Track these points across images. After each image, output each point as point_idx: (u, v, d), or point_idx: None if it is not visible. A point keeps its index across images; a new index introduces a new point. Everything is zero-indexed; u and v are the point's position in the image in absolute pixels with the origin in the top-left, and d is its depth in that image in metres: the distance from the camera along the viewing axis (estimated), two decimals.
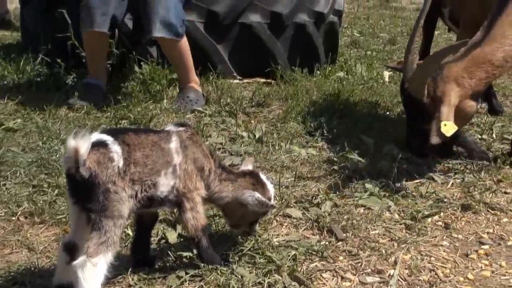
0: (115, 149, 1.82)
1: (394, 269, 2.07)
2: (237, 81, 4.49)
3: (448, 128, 2.65)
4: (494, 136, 3.50)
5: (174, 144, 1.97)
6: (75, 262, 1.73)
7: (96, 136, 1.82)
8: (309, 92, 4.20)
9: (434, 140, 2.69)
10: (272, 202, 2.13)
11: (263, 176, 2.17)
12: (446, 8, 3.69)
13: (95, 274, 1.72)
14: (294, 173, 2.87)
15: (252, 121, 3.72)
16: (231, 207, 2.10)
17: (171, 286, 1.94)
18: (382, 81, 4.71)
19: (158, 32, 3.73)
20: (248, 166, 2.23)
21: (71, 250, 1.83)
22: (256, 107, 3.98)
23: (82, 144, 1.71)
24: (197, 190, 2.01)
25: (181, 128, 2.04)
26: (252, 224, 2.17)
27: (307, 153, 3.20)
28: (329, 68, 4.83)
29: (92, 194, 1.76)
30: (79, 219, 1.83)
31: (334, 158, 3.08)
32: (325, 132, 3.47)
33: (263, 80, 4.56)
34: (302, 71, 4.60)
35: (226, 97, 4.04)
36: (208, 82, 4.30)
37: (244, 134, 3.43)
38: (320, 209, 2.52)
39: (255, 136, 3.41)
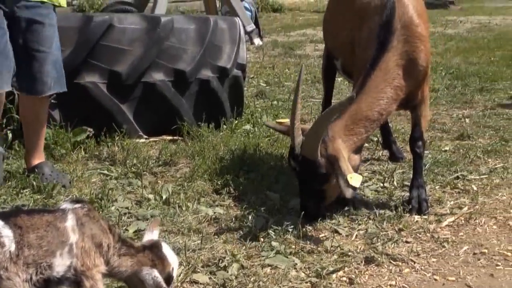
0: (6, 233, 1.78)
1: None
2: (143, 140, 4.46)
3: (355, 179, 2.75)
4: (395, 183, 3.59)
5: (70, 222, 1.94)
6: None
7: None
8: (215, 148, 4.21)
9: (348, 194, 2.78)
10: (174, 274, 2.12)
11: (165, 248, 2.15)
12: (337, 61, 3.79)
13: None
14: (201, 235, 2.86)
15: (159, 181, 3.70)
16: (133, 282, 2.08)
17: None
18: None
19: (52, 89, 3.58)
20: (153, 229, 2.22)
21: None
22: (163, 166, 3.96)
23: None
24: (96, 267, 1.97)
25: (77, 205, 2.01)
26: None
27: (214, 213, 3.20)
28: (236, 122, 4.86)
29: None
30: None
31: (241, 217, 3.09)
32: (231, 189, 3.48)
33: (169, 137, 4.55)
34: (209, 126, 4.62)
35: (132, 158, 4.00)
36: (113, 143, 4.24)
37: (151, 196, 3.40)
38: (227, 272, 2.52)
39: (162, 197, 3.38)
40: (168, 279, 2.10)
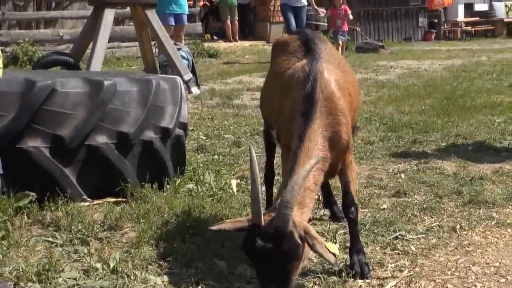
0: None
1: None
2: (87, 203, 4.46)
3: (332, 246, 2.86)
4: (338, 245, 3.71)
5: None
6: None
7: None
8: (160, 210, 4.26)
9: (333, 260, 2.85)
10: None
11: None
12: (273, 130, 3.91)
13: None
14: None
15: (106, 248, 3.71)
16: None
17: None
18: (230, 190, 4.86)
19: None
20: None
21: None
22: (109, 231, 3.98)
23: None
24: None
25: None
26: None
27: (163, 281, 3.24)
28: (178, 181, 4.91)
29: None
30: None
31: (190, 286, 3.14)
32: (179, 256, 3.53)
33: (113, 199, 4.57)
34: (152, 186, 4.67)
35: (77, 223, 4.00)
36: (57, 207, 4.23)
37: (98, 265, 3.41)
38: None
39: (109, 266, 3.40)
40: None
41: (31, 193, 4.24)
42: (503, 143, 6.32)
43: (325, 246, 2.87)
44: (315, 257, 3.54)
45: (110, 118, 4.58)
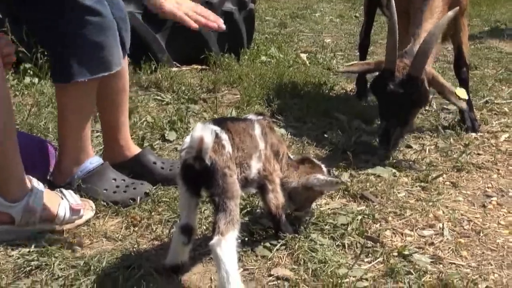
0: (224, 137, 2.02)
1: (440, 222, 2.44)
2: (176, 68, 4.64)
3: (461, 92, 3.04)
4: (435, 107, 3.97)
5: (257, 131, 2.19)
6: (211, 242, 1.89)
7: (210, 126, 2.00)
8: (248, 76, 4.43)
9: (464, 105, 3.08)
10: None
11: (314, 160, 2.44)
12: None
13: (230, 249, 1.90)
14: (291, 152, 3.13)
15: (213, 106, 3.90)
16: (297, 191, 2.32)
17: (264, 256, 2.17)
18: (303, 63, 5.06)
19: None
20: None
21: (188, 232, 2.01)
22: (208, 93, 4.17)
23: (206, 134, 1.90)
24: (275, 172, 2.24)
25: (260, 117, 2.28)
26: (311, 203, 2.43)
27: (288, 133, 3.46)
28: (251, 52, 5.09)
29: (212, 179, 1.95)
30: (190, 204, 2.02)
31: (320, 135, 3.39)
32: (293, 112, 3.75)
33: (199, 66, 4.75)
34: (231, 56, 4.84)
35: (178, 85, 4.18)
36: (150, 70, 4.39)
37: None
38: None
39: None
40: None
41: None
42: None
43: (455, 92, 3.10)
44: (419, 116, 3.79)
45: None
